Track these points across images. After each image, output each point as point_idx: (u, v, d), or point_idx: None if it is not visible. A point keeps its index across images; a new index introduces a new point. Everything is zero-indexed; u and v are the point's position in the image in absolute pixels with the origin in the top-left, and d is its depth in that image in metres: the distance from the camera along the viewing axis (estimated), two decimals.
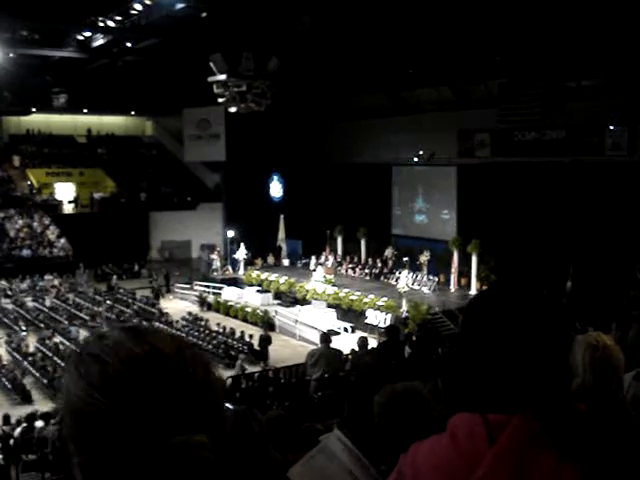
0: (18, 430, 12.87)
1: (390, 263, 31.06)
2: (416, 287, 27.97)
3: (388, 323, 23.09)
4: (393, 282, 28.58)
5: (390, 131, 32.27)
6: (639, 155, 22.77)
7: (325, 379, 10.66)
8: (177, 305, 31.69)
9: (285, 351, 23.83)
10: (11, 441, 12.49)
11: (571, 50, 22.68)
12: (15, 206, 37.82)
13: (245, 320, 28.21)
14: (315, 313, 27.02)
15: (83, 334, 25.61)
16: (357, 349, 11.69)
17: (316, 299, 27.94)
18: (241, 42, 24.56)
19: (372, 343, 13.78)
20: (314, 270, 30.43)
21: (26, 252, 35.00)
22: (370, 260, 32.12)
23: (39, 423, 12.81)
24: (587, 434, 1.16)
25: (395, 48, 25.45)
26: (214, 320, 27.39)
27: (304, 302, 28.54)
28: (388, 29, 23.64)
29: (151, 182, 41.70)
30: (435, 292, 27.77)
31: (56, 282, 33.56)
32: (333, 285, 28.47)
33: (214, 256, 34.69)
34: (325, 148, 36.48)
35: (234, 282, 32.80)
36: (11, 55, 31.21)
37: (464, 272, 28.01)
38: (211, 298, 31.33)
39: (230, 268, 34.36)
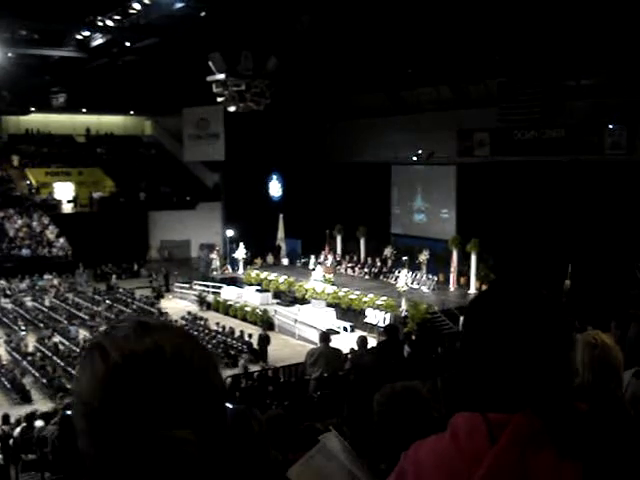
0: (17, 430, 12.86)
1: (389, 262, 31.08)
2: (415, 286, 27.97)
3: (387, 322, 23.10)
4: (392, 281, 28.59)
5: (389, 130, 32.26)
6: (638, 154, 22.77)
7: (324, 378, 10.65)
8: (176, 304, 31.70)
9: (284, 350, 23.83)
10: (10, 441, 12.49)
11: (571, 49, 22.69)
12: (14, 206, 37.82)
13: (244, 319, 28.21)
14: (314, 312, 27.02)
15: (82, 334, 25.65)
16: (356, 348, 11.68)
17: (315, 298, 27.96)
18: (240, 41, 24.54)
19: (371, 342, 13.79)
20: (313, 269, 30.44)
21: (25, 252, 34.99)
22: (369, 259, 32.13)
23: (39, 423, 12.80)
24: (588, 433, 1.16)
25: (394, 47, 25.44)
26: (213, 319, 27.40)
27: (303, 301, 28.55)
28: (387, 28, 23.64)
29: (150, 182, 41.68)
30: (434, 291, 27.78)
31: (55, 282, 33.55)
32: (332, 284, 28.46)
33: (213, 255, 34.69)
34: (324, 147, 36.46)
35: (233, 281, 32.81)
36: (10, 55, 31.19)
37: (463, 271, 28.02)
38: (210, 297, 31.34)
39: (229, 267, 34.37)
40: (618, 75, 23.51)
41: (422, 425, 2.26)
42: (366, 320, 25.45)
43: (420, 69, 28.04)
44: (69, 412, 11.79)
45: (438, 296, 26.94)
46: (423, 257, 28.91)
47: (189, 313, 28.72)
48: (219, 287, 31.96)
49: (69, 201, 40.18)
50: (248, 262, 34.08)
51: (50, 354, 22.87)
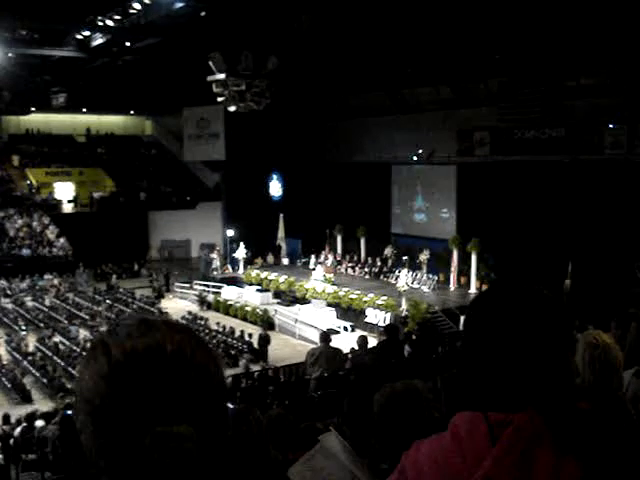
0: (18, 430, 12.87)
1: (390, 262, 31.08)
2: (416, 286, 27.97)
3: (388, 322, 23.10)
4: (393, 281, 28.59)
5: (389, 130, 32.24)
6: (638, 154, 22.76)
7: (325, 378, 10.65)
8: (177, 304, 31.70)
9: (285, 350, 23.85)
10: (11, 441, 12.49)
11: (571, 49, 22.68)
12: (14, 205, 37.83)
13: (245, 319, 28.22)
14: (315, 312, 27.03)
15: (83, 334, 25.66)
16: (357, 348, 11.69)
17: (316, 298, 27.96)
18: (240, 41, 24.53)
19: (372, 342, 13.79)
20: (314, 269, 30.44)
21: (26, 251, 35.00)
22: (370, 259, 32.13)
23: (39, 422, 12.81)
24: (589, 432, 1.16)
25: (394, 47, 25.45)
26: (214, 319, 27.41)
27: (304, 301, 28.55)
28: (387, 28, 23.64)
29: (151, 181, 41.71)
30: (435, 291, 27.79)
31: (56, 281, 33.56)
32: (333, 284, 28.47)
33: (214, 255, 34.70)
34: (325, 147, 36.43)
35: (234, 281, 32.81)
36: (10, 55, 31.21)
37: (464, 271, 28.02)
38: (211, 297, 31.34)
39: (230, 267, 34.38)
40: (618, 75, 23.51)
41: (422, 425, 2.26)
42: (366, 320, 25.45)
43: (420, 69, 28.03)
44: (69, 412, 11.81)
45: (438, 296, 26.95)
46: (423, 257, 28.91)
47: (189, 313, 28.73)
48: (219, 287, 31.96)
49: (69, 201, 40.19)
50: (248, 262, 34.09)
51: (50, 354, 22.87)
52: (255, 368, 20.36)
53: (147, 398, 0.93)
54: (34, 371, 21.31)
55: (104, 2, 26.25)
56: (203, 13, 24.66)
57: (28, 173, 40.51)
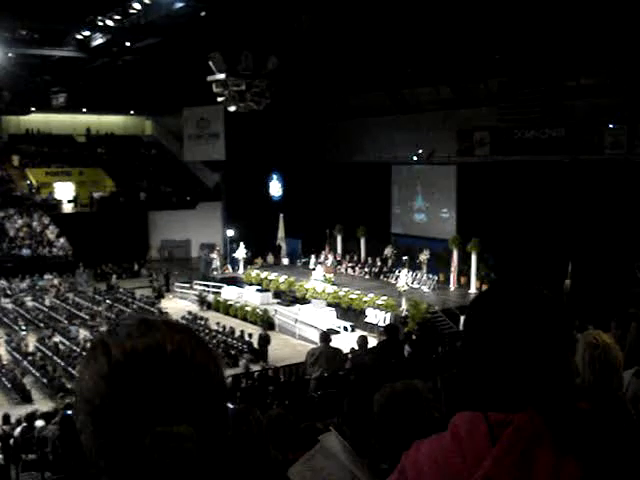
0: (18, 430, 12.87)
1: (390, 262, 31.08)
2: (416, 286, 27.96)
3: (388, 322, 23.10)
4: (393, 281, 28.59)
5: (389, 130, 32.25)
6: (638, 154, 22.76)
7: (325, 378, 10.66)
8: (177, 304, 31.70)
9: (285, 350, 23.85)
10: (11, 441, 12.49)
11: (571, 49, 22.68)
12: (14, 205, 37.84)
13: (245, 319, 28.22)
14: (315, 312, 27.03)
15: (83, 333, 25.66)
16: (357, 348, 11.69)
17: (316, 298, 27.97)
18: (240, 41, 24.53)
19: (372, 342, 13.79)
20: (314, 269, 30.44)
21: (26, 251, 35.01)
22: (370, 259, 32.13)
23: (39, 423, 12.81)
24: (589, 432, 1.16)
25: (394, 47, 25.44)
26: (214, 319, 27.41)
27: (304, 301, 28.55)
28: (387, 28, 23.64)
29: (151, 181, 41.72)
30: (435, 291, 27.78)
31: (56, 281, 33.57)
32: (333, 284, 28.47)
33: (214, 255, 34.70)
34: (325, 147, 36.43)
35: (234, 281, 32.81)
36: (10, 55, 31.21)
37: (464, 271, 28.02)
38: (211, 297, 31.34)
39: (230, 267, 34.38)
40: (618, 75, 23.51)
41: (422, 425, 2.26)
42: (366, 320, 25.45)
43: (420, 69, 28.03)
44: (69, 412, 11.81)
45: (438, 296, 26.95)
46: (423, 257, 28.91)
47: (189, 313, 28.73)
48: (219, 287, 31.96)
49: (69, 201, 40.20)
50: (248, 262, 34.09)
51: (50, 354, 22.87)
52: (255, 368, 20.36)
53: (147, 398, 0.93)
54: (34, 371, 21.31)
55: (104, 2, 26.25)
56: (203, 13, 24.66)
57: (28, 173, 40.52)
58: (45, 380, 20.44)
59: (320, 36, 24.76)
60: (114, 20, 27.18)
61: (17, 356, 23.11)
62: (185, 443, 0.91)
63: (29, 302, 30.82)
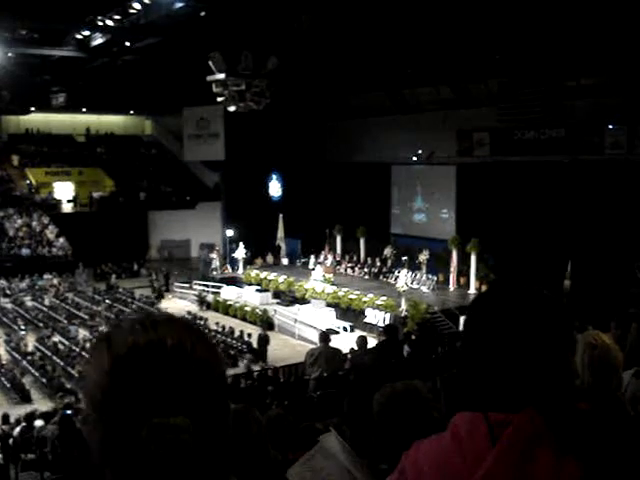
0: (17, 429, 12.86)
1: (389, 262, 31.07)
2: (415, 286, 27.96)
3: (387, 322, 23.10)
4: (392, 281, 28.57)
5: (389, 130, 32.25)
6: (638, 154, 22.76)
7: (324, 378, 10.66)
8: (176, 304, 31.68)
9: (284, 350, 23.84)
10: (10, 440, 12.49)
11: (571, 49, 22.68)
12: (14, 205, 37.84)
13: (244, 319, 28.21)
14: (314, 312, 27.02)
15: (82, 333, 25.65)
16: (356, 348, 11.69)
17: (315, 298, 27.96)
18: (240, 41, 24.54)
19: (371, 342, 13.79)
20: (313, 269, 30.44)
21: (25, 251, 35.00)
22: (369, 259, 32.12)
23: (38, 422, 12.80)
24: (589, 432, 1.16)
25: (395, 47, 25.44)
26: (213, 319, 27.39)
27: (303, 301, 28.55)
28: (387, 28, 23.64)
29: (150, 181, 41.72)
30: (434, 291, 27.78)
31: (55, 281, 33.56)
32: (332, 284, 28.47)
33: (213, 255, 34.69)
34: (324, 147, 36.46)
35: (233, 281, 32.80)
36: (10, 54, 31.20)
37: (463, 271, 28.02)
38: (210, 297, 31.33)
39: (229, 267, 34.37)
40: (618, 75, 23.51)
41: (422, 425, 2.26)
42: (366, 320, 25.45)
43: (420, 69, 28.03)
44: (69, 412, 11.81)
45: (438, 296, 26.95)
46: (423, 257, 28.90)
47: (189, 313, 28.69)
48: (219, 287, 31.96)
49: (69, 201, 40.20)
50: (248, 262, 34.08)
51: (50, 354, 22.86)
52: (254, 368, 20.35)
53: (147, 391, 0.95)
54: (33, 371, 21.31)
55: (104, 2, 26.24)
56: (203, 13, 24.66)
57: (28, 173, 40.51)
58: (44, 380, 20.44)
59: (320, 36, 24.76)
60: (114, 20, 27.18)
61: (16, 356, 23.10)
62: (181, 434, 0.93)
63: (28, 302, 30.81)
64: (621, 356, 3.04)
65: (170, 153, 44.80)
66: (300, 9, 23.30)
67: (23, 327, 26.65)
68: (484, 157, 27.90)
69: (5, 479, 10.45)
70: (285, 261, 35.53)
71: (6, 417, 14.80)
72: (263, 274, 31.89)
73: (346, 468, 2.12)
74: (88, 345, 22.54)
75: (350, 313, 26.53)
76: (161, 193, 41.11)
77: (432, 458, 1.21)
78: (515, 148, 26.72)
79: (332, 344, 11.52)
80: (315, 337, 20.71)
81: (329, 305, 27.27)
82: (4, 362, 22.56)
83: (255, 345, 23.61)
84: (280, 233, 35.94)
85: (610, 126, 23.85)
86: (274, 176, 38.28)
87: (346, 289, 27.68)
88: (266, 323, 26.79)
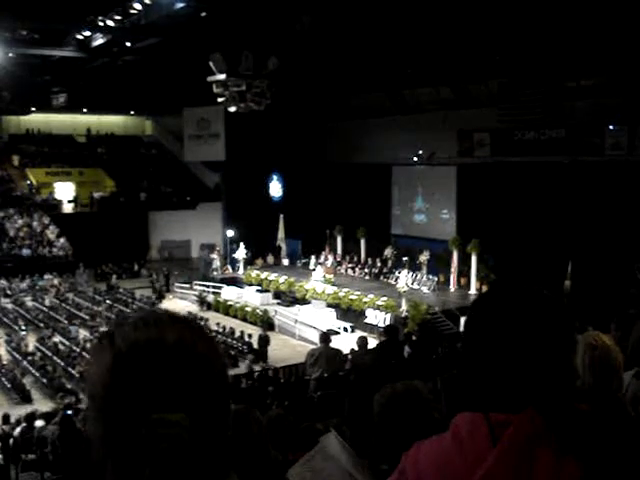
0: (18, 430, 12.86)
1: (390, 263, 31.07)
2: (416, 287, 27.96)
3: (388, 323, 23.09)
4: (393, 282, 28.58)
5: (389, 131, 32.26)
6: (639, 155, 22.76)
7: (325, 379, 10.66)
8: (176, 305, 31.67)
9: (284, 351, 23.84)
10: (11, 441, 12.48)
11: (571, 50, 22.68)
12: (15, 205, 37.83)
13: (245, 320, 28.21)
14: (315, 313, 27.02)
15: (83, 334, 25.66)
16: (357, 349, 11.68)
17: (316, 299, 27.95)
18: (241, 42, 24.54)
19: (372, 343, 13.78)
20: (314, 270, 30.44)
21: (26, 251, 35.00)
22: (370, 260, 32.12)
23: (39, 423, 12.80)
24: (589, 433, 1.17)
25: (394, 47, 25.44)
26: (214, 320, 27.39)
27: (304, 302, 28.55)
28: (388, 28, 23.63)
29: (151, 182, 41.71)
30: (435, 292, 27.77)
31: (56, 281, 33.56)
32: (333, 285, 28.47)
33: (214, 256, 34.69)
34: (325, 148, 36.47)
35: (234, 282, 32.80)
36: (11, 55, 31.19)
37: (464, 272, 28.02)
38: (211, 298, 31.33)
39: (230, 268, 34.37)
40: (618, 75, 23.51)
41: (423, 426, 2.26)
42: (366, 321, 25.45)
43: (420, 69, 28.03)
44: (69, 412, 11.80)
45: (438, 297, 26.94)
46: (423, 258, 28.90)
47: (189, 313, 28.61)
48: (219, 287, 31.96)
49: (70, 201, 40.18)
50: (248, 262, 34.09)
51: (50, 354, 22.87)
52: (255, 368, 20.35)
53: (147, 388, 0.96)
54: (34, 371, 21.31)
55: (104, 2, 26.23)
56: (204, 13, 24.64)
57: (28, 173, 40.50)
58: (45, 380, 20.45)
59: (321, 37, 24.75)
60: (114, 20, 27.15)
61: (17, 356, 23.11)
62: (179, 430, 0.94)
63: (29, 302, 30.83)
64: (621, 357, 3.04)
65: (170, 153, 44.79)
66: (300, 10, 23.30)
67: (24, 327, 26.66)
68: (484, 158, 27.90)
69: (5, 479, 10.44)
70: (286, 261, 35.53)
71: (7, 417, 14.81)
72: (264, 274, 31.89)
73: (346, 469, 2.12)
74: (88, 345, 22.56)
75: (350, 314, 26.53)
76: (161, 193, 41.11)
77: (433, 458, 1.21)
78: (515, 149, 26.72)
79: (332, 345, 11.52)
80: (315, 338, 20.71)
81: (329, 306, 27.27)
82: (5, 362, 22.57)
83: (255, 345, 23.62)
84: (281, 234, 35.95)
85: (610, 127, 23.84)
86: (274, 176, 38.28)
87: (347, 290, 27.67)
88: (266, 323, 26.80)
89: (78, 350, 22.74)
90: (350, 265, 32.60)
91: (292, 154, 34.42)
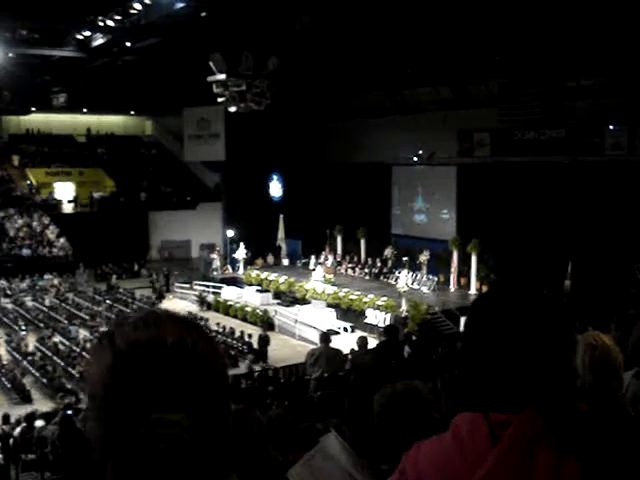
0: (18, 430, 12.86)
1: (390, 263, 31.06)
2: (416, 287, 27.96)
3: (387, 323, 23.09)
4: (393, 282, 28.58)
5: (389, 130, 32.26)
6: (639, 155, 22.76)
7: (325, 379, 10.66)
8: (177, 305, 31.67)
9: (285, 351, 23.84)
10: (11, 441, 12.48)
11: (571, 50, 22.68)
12: (15, 205, 37.84)
13: (245, 320, 28.21)
14: (315, 313, 27.02)
15: (83, 334, 25.65)
16: (357, 349, 11.68)
17: (316, 299, 27.95)
18: (241, 42, 24.54)
19: (372, 343, 13.78)
20: (314, 270, 30.43)
21: (26, 251, 35.00)
22: (370, 260, 32.12)
23: (39, 423, 12.80)
24: (589, 433, 1.17)
25: (394, 47, 25.45)
26: (214, 320, 27.39)
27: (304, 302, 28.54)
28: (388, 28, 23.64)
29: (151, 182, 41.71)
30: (435, 292, 27.77)
31: (56, 281, 33.56)
32: (333, 285, 28.47)
33: (214, 256, 34.70)
34: (325, 147, 36.48)
35: (234, 282, 32.80)
36: (11, 55, 31.20)
37: (464, 272, 28.01)
38: (211, 298, 31.33)
39: (230, 268, 34.37)
40: (618, 75, 23.51)
41: (423, 426, 2.26)
42: (366, 321, 25.44)
43: (420, 69, 28.03)
44: (69, 412, 11.80)
45: (438, 297, 26.94)
46: (423, 258, 28.90)
47: (189, 313, 28.61)
48: (219, 287, 31.96)
49: (69, 201, 40.18)
50: (248, 262, 34.08)
51: (50, 354, 22.87)
52: (255, 368, 20.36)
53: (147, 388, 0.96)
54: (34, 371, 21.31)
55: (104, 2, 26.25)
56: (204, 13, 24.65)
57: (28, 173, 40.51)
58: (45, 380, 20.45)
59: (321, 37, 24.76)
60: (114, 20, 27.17)
61: (17, 356, 23.11)
62: (179, 430, 0.94)
63: (29, 302, 30.82)
64: (621, 357, 3.04)
65: (170, 153, 44.79)
66: (301, 10, 23.31)
67: (24, 327, 26.67)
68: (484, 158, 27.90)
69: (5, 479, 10.45)
70: (286, 261, 35.53)
71: (7, 417, 14.81)
72: (264, 274, 31.89)
73: (346, 469, 2.12)
74: (88, 345, 22.57)
75: (351, 314, 26.53)
76: (161, 193, 41.11)
77: (433, 458, 1.21)
78: (515, 149, 26.73)
79: (332, 345, 11.52)
80: (315, 337, 20.71)
81: (330, 306, 27.27)
82: (5, 362, 22.57)
83: (255, 345, 23.61)
84: (281, 233, 35.95)
85: (611, 127, 23.85)
86: (275, 176, 38.27)
87: (347, 290, 27.67)
88: (266, 323, 26.79)
89: (78, 350, 22.74)
90: (350, 265, 32.60)
91: (292, 154, 34.42)
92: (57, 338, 25.03)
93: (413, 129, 30.83)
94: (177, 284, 34.39)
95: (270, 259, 35.31)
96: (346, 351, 13.63)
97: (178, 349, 0.99)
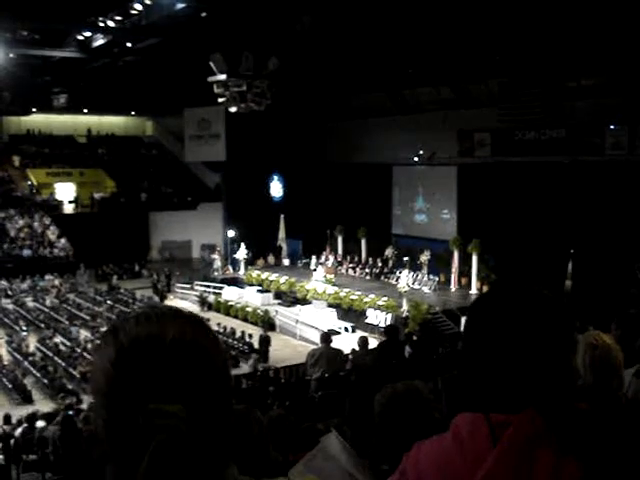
0: (19, 430, 12.87)
1: (390, 263, 31.08)
2: (416, 287, 27.97)
3: (388, 323, 23.10)
4: (393, 282, 28.59)
5: (390, 130, 32.25)
6: (639, 154, 22.75)
7: (325, 379, 10.66)
8: (177, 305, 31.58)
9: (285, 351, 23.85)
10: (12, 441, 12.49)
11: (571, 50, 22.67)
12: (15, 206, 37.82)
13: (245, 320, 28.21)
14: (315, 313, 27.02)
15: (83, 334, 25.66)
16: (357, 349, 11.69)
17: (316, 299, 27.95)
18: (241, 42, 24.55)
19: (372, 343, 13.79)
20: (314, 270, 30.44)
21: (26, 252, 35.01)
22: (370, 260, 32.13)
23: (40, 423, 12.80)
24: (589, 433, 1.17)
25: (395, 47, 25.44)
26: (214, 320, 27.29)
27: (304, 302, 28.55)
28: (388, 28, 23.63)
29: (151, 182, 41.70)
30: (435, 292, 27.78)
31: (56, 282, 33.57)
32: (333, 285, 28.47)
33: (215, 256, 34.71)
34: (325, 148, 36.48)
35: (234, 282, 32.80)
36: (11, 55, 31.21)
37: (464, 272, 28.03)
38: (211, 298, 31.33)
39: (230, 268, 34.38)
40: (618, 75, 23.50)
41: (423, 426, 2.26)
42: (367, 321, 25.45)
43: (420, 69, 28.03)
44: (70, 412, 11.81)
45: (439, 296, 26.95)
46: (424, 257, 28.91)
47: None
48: (220, 287, 31.96)
49: (70, 201, 40.16)
50: (249, 262, 34.09)
51: (51, 354, 22.89)
52: (259, 368, 20.37)
53: (147, 381, 0.98)
54: (35, 372, 21.32)
55: (105, 3, 26.25)
56: (204, 14, 24.65)
57: (29, 173, 40.50)
58: (46, 381, 20.45)
59: (321, 37, 24.75)
60: (115, 21, 27.17)
61: (18, 357, 23.12)
62: (176, 422, 0.96)
63: (30, 303, 30.83)
64: (622, 356, 3.04)
65: (171, 154, 44.78)
66: (301, 10, 23.31)
67: (24, 328, 26.68)
68: (485, 158, 27.90)
69: None
70: (286, 262, 35.54)
71: (8, 418, 14.82)
72: (264, 275, 31.89)
73: (347, 469, 2.12)
74: (89, 346, 22.58)
75: (351, 314, 26.53)
76: (162, 194, 41.10)
77: (433, 459, 1.21)
78: (516, 149, 26.73)
79: (333, 345, 11.52)
80: (316, 338, 20.70)
81: (330, 306, 27.27)
82: (6, 363, 22.58)
83: (256, 346, 23.62)
84: (281, 234, 35.96)
85: (611, 127, 23.84)
86: (275, 177, 38.29)
87: (347, 290, 27.68)
88: (267, 324, 26.80)
89: (79, 351, 22.75)
90: (351, 265, 32.61)
91: (292, 154, 34.43)
92: (58, 339, 25.04)
93: (413, 129, 30.82)
94: (178, 284, 34.40)
95: (271, 259, 35.32)
96: (347, 351, 13.64)
97: (178, 344, 1.01)
